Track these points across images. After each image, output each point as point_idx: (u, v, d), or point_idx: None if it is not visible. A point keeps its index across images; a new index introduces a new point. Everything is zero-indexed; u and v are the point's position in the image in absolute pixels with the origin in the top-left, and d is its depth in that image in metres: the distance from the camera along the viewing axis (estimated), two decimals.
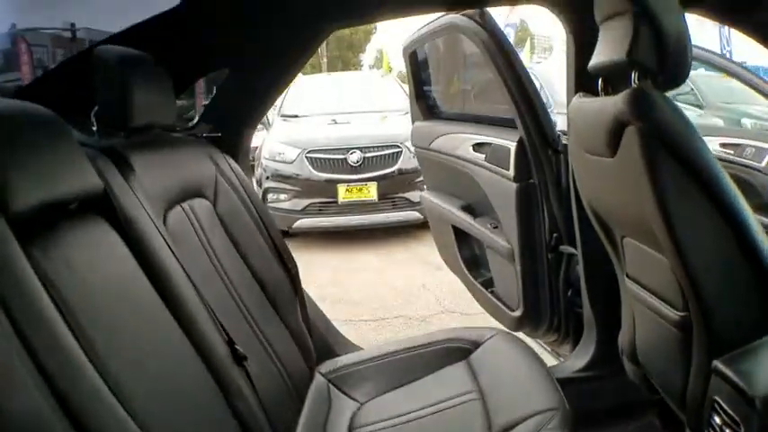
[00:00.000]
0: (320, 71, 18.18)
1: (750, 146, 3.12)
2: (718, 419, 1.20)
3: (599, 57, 1.37)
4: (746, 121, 3.92)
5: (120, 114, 1.23)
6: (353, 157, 5.29)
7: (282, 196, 5.29)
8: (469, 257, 2.61)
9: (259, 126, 2.42)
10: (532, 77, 2.06)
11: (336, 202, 5.26)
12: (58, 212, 0.87)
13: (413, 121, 2.96)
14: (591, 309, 1.98)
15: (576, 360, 2.04)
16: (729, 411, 1.15)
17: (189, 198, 1.38)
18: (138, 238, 1.03)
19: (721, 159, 3.20)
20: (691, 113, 6.03)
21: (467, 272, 2.58)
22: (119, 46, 1.34)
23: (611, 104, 1.24)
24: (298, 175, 5.29)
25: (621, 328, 1.74)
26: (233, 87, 1.79)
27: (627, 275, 1.60)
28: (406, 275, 4.47)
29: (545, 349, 2.39)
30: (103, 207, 1.00)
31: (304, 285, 1.75)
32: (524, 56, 13.89)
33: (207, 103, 1.90)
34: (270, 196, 5.31)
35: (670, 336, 1.41)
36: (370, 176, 5.30)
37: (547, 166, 1.99)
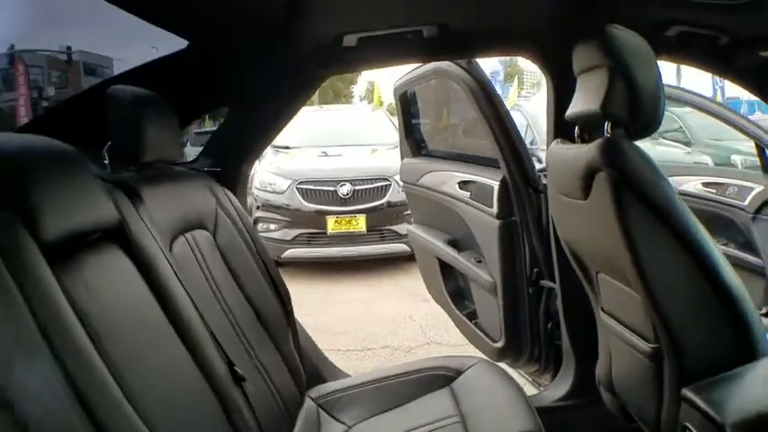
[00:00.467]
0: (312, 102, 18.42)
1: (733, 185, 3.19)
2: None
3: (576, 106, 1.49)
4: (736, 158, 4.01)
5: (132, 150, 1.32)
6: (343, 190, 5.39)
7: (272, 226, 5.36)
8: (454, 290, 2.69)
9: None
10: (520, 114, 2.18)
11: (325, 233, 5.34)
12: (81, 240, 0.96)
13: (402, 158, 3.08)
14: (569, 341, 2.06)
15: (556, 390, 2.11)
16: None
17: (192, 229, 1.47)
18: (149, 264, 1.12)
19: (704, 198, 3.34)
20: (679, 151, 6.16)
21: (451, 304, 2.67)
22: (129, 86, 1.44)
23: (584, 152, 1.35)
24: (288, 205, 5.37)
25: (598, 359, 1.82)
26: (232, 125, 1.90)
27: (602, 309, 1.69)
28: (392, 307, 4.53)
29: (526, 379, 2.47)
30: (117, 235, 1.09)
31: None
32: (513, 91, 14.16)
33: (198, 130, 2.00)
34: (260, 226, 5.37)
35: (643, 367, 1.50)
36: (360, 208, 5.38)
37: (528, 205, 2.10)
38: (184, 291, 1.18)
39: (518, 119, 5.05)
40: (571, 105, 1.50)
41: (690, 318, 1.33)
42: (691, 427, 1.26)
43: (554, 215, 1.76)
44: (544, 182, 2.08)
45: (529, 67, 32.38)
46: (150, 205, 1.25)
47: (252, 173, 5.62)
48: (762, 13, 1.71)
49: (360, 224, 5.37)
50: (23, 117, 11.56)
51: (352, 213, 5.37)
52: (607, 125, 1.36)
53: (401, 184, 3.21)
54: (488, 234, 2.23)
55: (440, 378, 1.72)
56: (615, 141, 1.30)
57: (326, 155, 5.94)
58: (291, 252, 5.25)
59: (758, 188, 2.95)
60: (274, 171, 5.59)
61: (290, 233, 5.33)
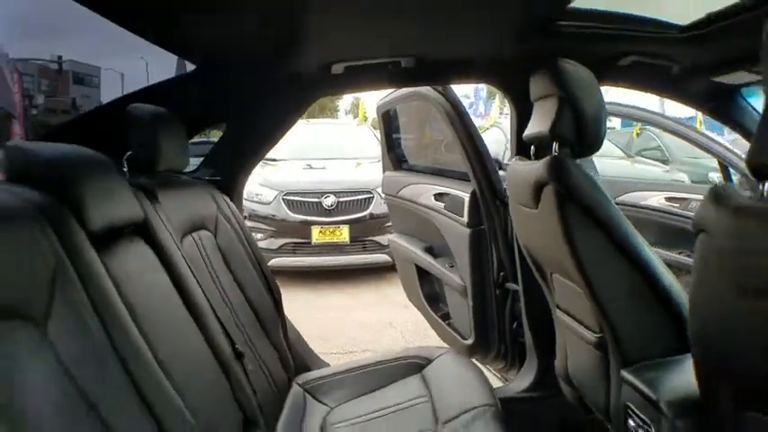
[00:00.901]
0: None
1: (695, 200, 3.40)
2: (632, 422, 1.48)
3: (531, 128, 1.72)
4: (713, 175, 4.20)
5: (149, 160, 1.53)
6: (328, 201, 5.55)
7: (259, 235, 5.48)
8: (430, 293, 2.91)
9: None
10: (500, 131, 2.38)
11: (310, 242, 5.50)
12: (118, 232, 1.17)
13: (384, 171, 3.29)
14: (531, 337, 2.27)
15: (520, 382, 2.31)
16: (641, 415, 1.43)
17: (197, 230, 1.68)
18: (167, 256, 1.33)
19: (666, 212, 3.58)
20: (657, 169, 6.39)
21: (427, 306, 2.88)
22: (146, 104, 1.65)
23: (536, 168, 1.59)
24: (274, 215, 5.52)
25: (556, 353, 2.03)
26: (230, 139, 2.11)
27: (557, 307, 1.91)
28: (373, 314, 4.70)
29: (495, 375, 2.66)
30: (142, 230, 1.30)
31: None
32: (495, 108, 14.43)
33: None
34: None
35: (591, 356, 1.71)
36: (343, 220, 5.55)
37: (495, 215, 2.31)
38: (196, 281, 1.39)
39: (499, 135, 5.24)
40: (528, 127, 1.73)
41: (627, 310, 1.53)
42: (632, 406, 1.47)
43: (514, 223, 1.99)
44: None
45: None
46: (165, 207, 1.46)
47: None
48: (707, 45, 1.85)
49: (343, 235, 5.54)
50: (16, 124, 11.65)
51: (335, 224, 5.53)
52: (555, 145, 1.59)
53: (383, 196, 3.41)
54: (460, 241, 2.44)
55: (413, 366, 1.94)
56: (561, 159, 1.53)
57: (311, 167, 6.09)
58: (277, 261, 5.38)
59: None
60: (261, 182, 5.72)
61: (276, 242, 5.48)
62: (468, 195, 2.37)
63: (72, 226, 1.00)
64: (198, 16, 1.49)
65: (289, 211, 5.54)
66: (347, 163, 6.25)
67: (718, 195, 0.95)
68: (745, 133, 2.32)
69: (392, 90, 2.95)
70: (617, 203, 1.63)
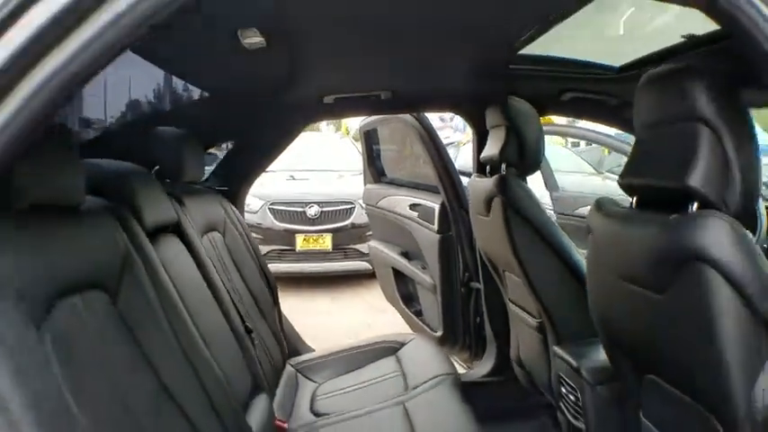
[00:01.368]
0: None
1: None
2: (564, 390, 1.81)
3: (486, 151, 2.10)
4: None
5: (176, 173, 1.86)
6: (311, 211, 5.74)
7: None
8: (405, 293, 3.25)
9: None
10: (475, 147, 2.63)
11: (294, 249, 5.69)
12: (163, 230, 1.51)
13: (365, 184, 3.64)
14: (490, 329, 2.62)
15: (481, 368, 2.65)
16: (570, 382, 1.76)
17: (211, 231, 2.02)
18: (194, 250, 1.68)
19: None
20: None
21: (402, 304, 3.23)
22: (170, 127, 1.97)
23: (488, 183, 1.97)
24: (260, 224, 5.69)
25: (511, 342, 2.38)
26: (236, 155, 2.46)
27: (510, 300, 2.28)
28: (353, 317, 4.93)
29: (461, 366, 2.98)
30: (175, 229, 1.64)
31: None
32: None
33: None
34: None
35: (535, 339, 2.07)
36: (326, 228, 5.73)
37: (461, 223, 2.65)
38: (215, 271, 1.74)
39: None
40: (484, 150, 2.12)
41: (558, 296, 1.89)
42: (563, 375, 1.81)
43: (473, 229, 2.36)
44: None
45: None
46: (190, 211, 1.81)
47: None
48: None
49: (326, 243, 5.73)
50: None
51: (319, 233, 5.72)
52: (504, 165, 1.97)
53: (364, 206, 3.65)
54: (431, 246, 2.78)
55: (388, 349, 2.30)
56: (507, 177, 1.92)
57: (293, 178, 6.25)
58: None
59: None
60: (249, 192, 5.95)
61: (263, 249, 5.56)
62: (438, 206, 2.71)
63: (133, 225, 1.32)
64: (210, 60, 1.81)
65: (274, 220, 5.71)
66: (330, 174, 6.41)
67: (599, 205, 1.32)
68: None
69: None
70: (575, 215, 1.99)
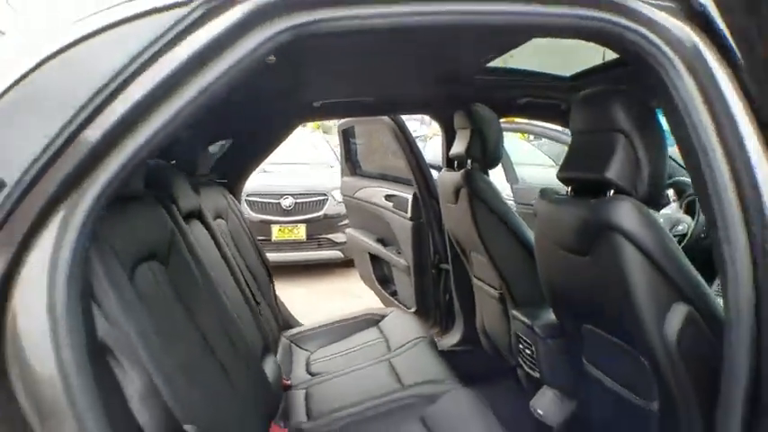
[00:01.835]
0: None
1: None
2: (521, 346, 2.11)
3: (454, 149, 2.42)
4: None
5: (191, 167, 2.14)
6: (286, 202, 5.93)
7: None
8: (381, 275, 3.56)
9: None
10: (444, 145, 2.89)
11: (270, 239, 5.85)
12: (192, 214, 1.81)
13: (342, 177, 3.92)
14: (458, 304, 2.93)
15: (451, 338, 2.96)
16: (525, 338, 2.06)
17: (218, 217, 2.32)
18: (213, 234, 1.98)
19: None
20: None
21: (378, 285, 3.55)
22: None
23: (456, 176, 2.30)
24: None
25: (476, 314, 2.71)
26: (234, 151, 2.76)
27: (474, 276, 2.61)
28: (328, 303, 5.07)
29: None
30: (197, 214, 1.94)
31: None
32: None
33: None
34: None
35: (496, 308, 2.37)
36: (300, 219, 5.94)
37: (432, 211, 2.96)
38: (228, 252, 2.05)
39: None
40: (452, 148, 2.45)
41: (516, 272, 2.19)
42: (519, 333, 2.11)
43: (443, 217, 2.68)
44: None
45: None
46: (204, 199, 2.10)
47: None
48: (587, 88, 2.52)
49: (300, 233, 5.94)
50: None
51: (293, 223, 5.92)
52: (469, 161, 2.31)
53: (336, 198, 3.84)
54: (404, 232, 3.08)
55: (370, 320, 2.64)
56: (472, 171, 2.25)
57: (265, 171, 6.17)
58: None
59: None
60: None
61: None
62: (411, 196, 3.02)
63: (174, 210, 1.61)
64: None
65: (251, 212, 5.82)
66: (302, 167, 6.58)
67: (542, 193, 1.67)
68: None
69: None
70: (530, 203, 2.26)
